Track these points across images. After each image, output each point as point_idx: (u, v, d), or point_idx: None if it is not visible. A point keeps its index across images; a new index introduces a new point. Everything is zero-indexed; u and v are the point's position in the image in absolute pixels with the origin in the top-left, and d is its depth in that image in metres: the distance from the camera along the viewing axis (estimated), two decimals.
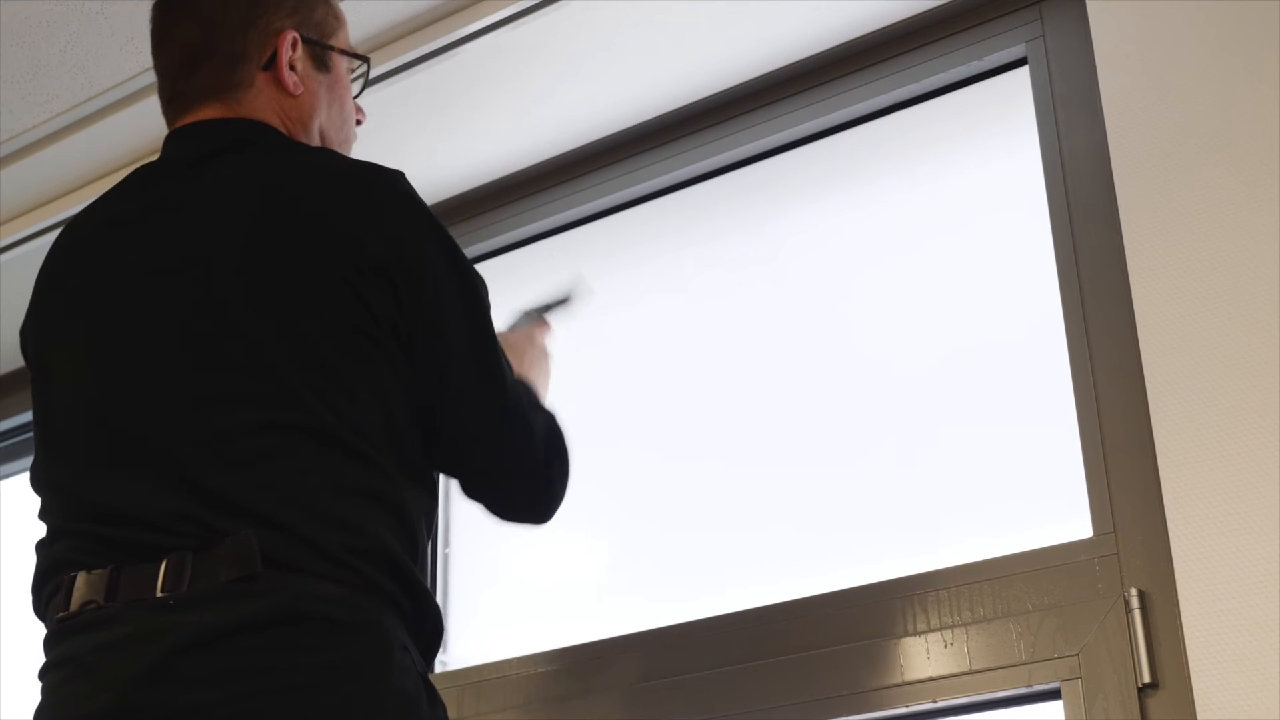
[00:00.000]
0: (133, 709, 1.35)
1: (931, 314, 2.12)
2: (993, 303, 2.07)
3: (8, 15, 2.20)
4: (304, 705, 1.36)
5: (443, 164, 2.50)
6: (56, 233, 2.61)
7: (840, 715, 1.92)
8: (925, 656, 1.89)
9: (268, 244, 1.50)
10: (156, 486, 1.44)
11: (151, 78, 2.30)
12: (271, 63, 1.65)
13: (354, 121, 1.78)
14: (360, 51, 1.80)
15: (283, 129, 1.66)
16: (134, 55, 2.28)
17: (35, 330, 1.66)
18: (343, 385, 1.47)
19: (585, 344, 2.45)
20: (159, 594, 1.38)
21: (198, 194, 1.57)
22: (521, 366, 1.84)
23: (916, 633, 1.91)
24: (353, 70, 1.77)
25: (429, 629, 1.52)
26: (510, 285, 2.57)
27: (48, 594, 1.50)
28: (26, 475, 3.16)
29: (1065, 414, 1.91)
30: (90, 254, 1.63)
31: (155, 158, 2.40)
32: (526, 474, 1.65)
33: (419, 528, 1.52)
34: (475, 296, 1.60)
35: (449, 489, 2.38)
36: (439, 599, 2.32)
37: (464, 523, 2.47)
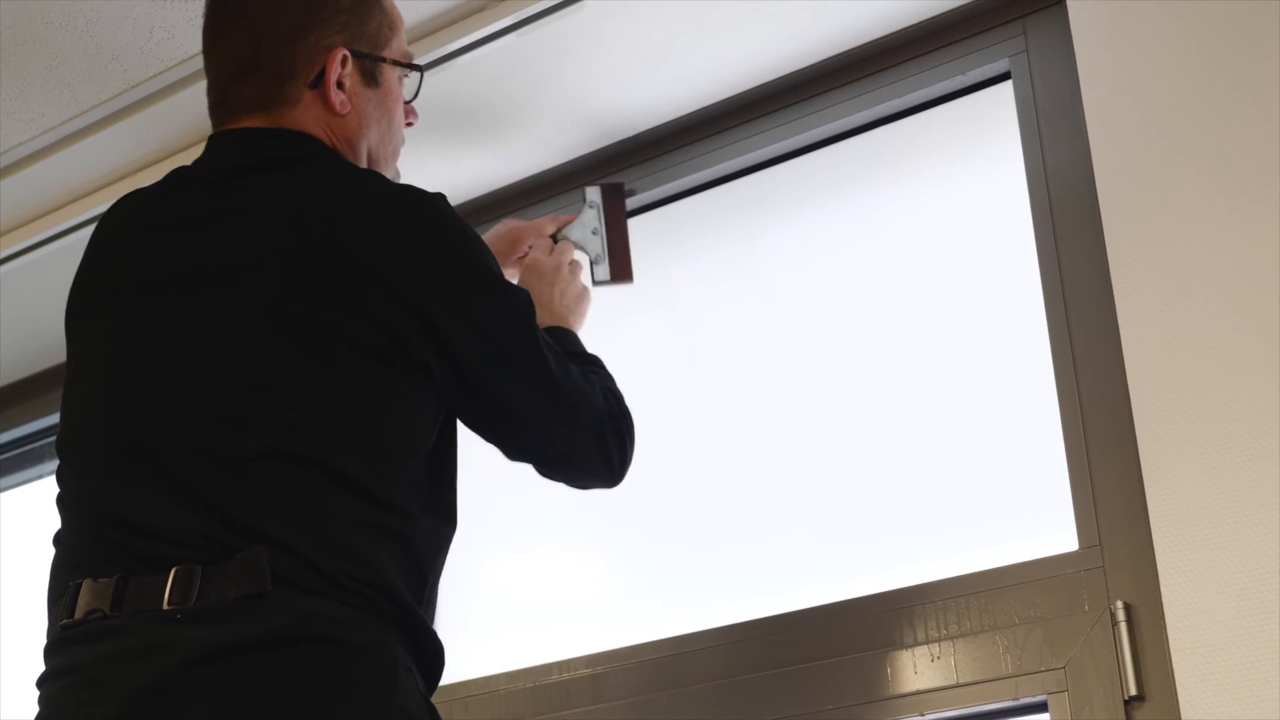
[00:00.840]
0: None
1: (916, 328, 2.13)
2: (977, 316, 2.08)
3: None
4: None
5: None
6: (43, 250, 2.65)
7: None
8: (912, 670, 1.89)
9: (298, 274, 1.50)
10: (169, 499, 1.44)
11: (136, 95, 2.33)
12: (319, 80, 1.64)
13: (402, 132, 1.78)
14: (412, 55, 1.79)
15: (328, 144, 1.66)
16: (119, 73, 2.29)
17: (70, 315, 1.69)
18: (360, 418, 1.48)
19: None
20: (165, 606, 1.38)
21: (235, 210, 1.57)
22: (554, 296, 1.94)
23: (904, 646, 1.91)
24: (405, 77, 1.76)
25: (429, 656, 1.52)
26: None
27: (53, 599, 1.50)
28: (28, 487, 3.21)
29: (1050, 427, 1.92)
30: (126, 253, 1.64)
31: (148, 170, 2.45)
32: (594, 453, 1.69)
33: (428, 560, 1.53)
34: (513, 313, 1.60)
35: None
36: None
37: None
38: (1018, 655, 1.82)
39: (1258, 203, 1.73)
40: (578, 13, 2.13)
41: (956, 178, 2.16)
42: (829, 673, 1.95)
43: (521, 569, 2.41)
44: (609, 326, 2.41)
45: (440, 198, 1.61)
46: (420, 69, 1.78)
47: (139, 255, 1.62)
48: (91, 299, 1.65)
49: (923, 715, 1.86)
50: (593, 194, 2.30)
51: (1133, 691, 1.71)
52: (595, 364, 1.82)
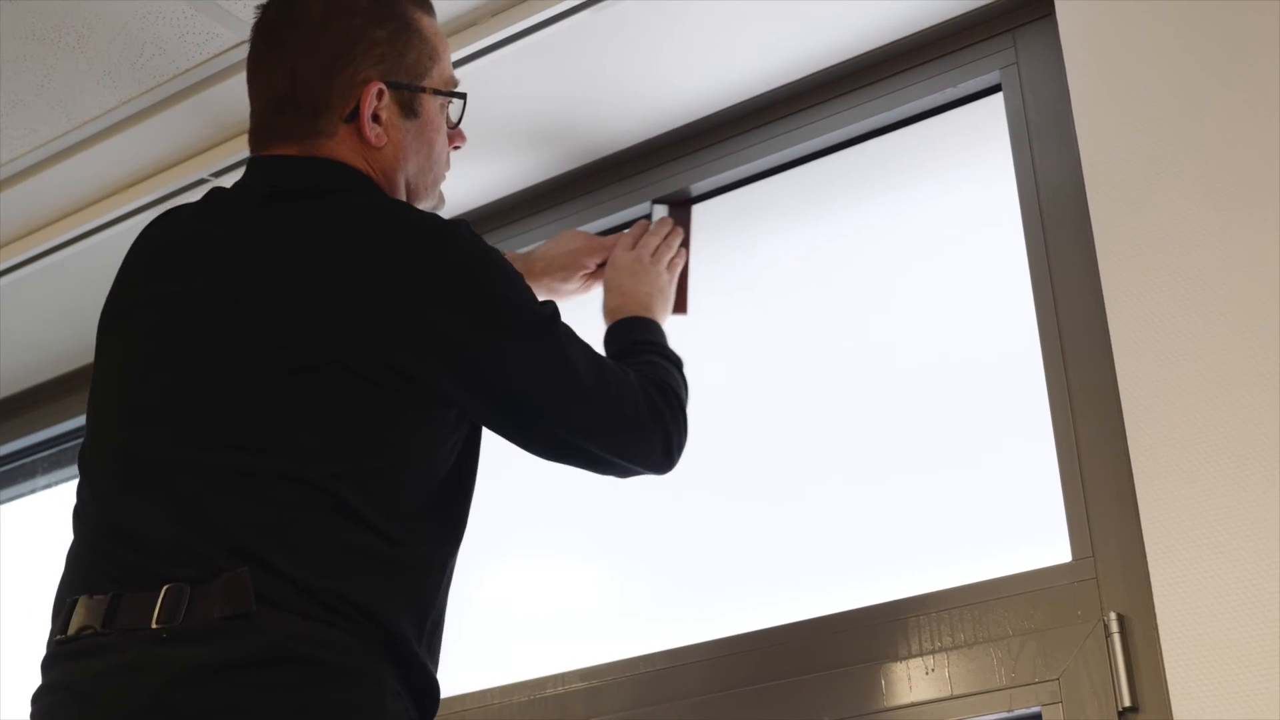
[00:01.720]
0: None
1: (908, 339, 2.13)
2: (969, 327, 2.08)
3: None
4: None
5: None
6: (36, 265, 2.65)
7: None
8: (907, 682, 1.89)
9: (314, 302, 1.51)
10: (164, 517, 1.46)
11: (127, 111, 2.34)
12: (355, 114, 1.65)
13: (445, 160, 1.77)
14: (457, 80, 1.78)
15: (365, 173, 1.66)
16: (111, 89, 2.29)
17: (101, 325, 1.70)
18: (364, 445, 1.49)
19: None
20: (154, 625, 1.39)
21: (263, 236, 1.58)
22: (636, 287, 1.99)
23: (898, 658, 1.91)
24: (448, 104, 1.75)
25: (421, 685, 1.51)
26: None
27: (54, 614, 1.52)
28: (28, 499, 3.21)
29: (1043, 438, 1.92)
30: (156, 269, 1.66)
31: (141, 184, 2.44)
32: (638, 449, 1.70)
33: (430, 587, 1.53)
34: (532, 335, 1.59)
35: None
36: None
37: None
38: (1012, 667, 1.82)
39: (1248, 213, 1.74)
40: (565, 25, 2.14)
41: (948, 190, 2.17)
42: (824, 685, 1.95)
43: (516, 582, 2.41)
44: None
45: (461, 225, 1.61)
46: (463, 96, 1.77)
47: (167, 272, 1.64)
48: (120, 311, 1.67)
49: None
50: (660, 212, 2.28)
51: (1126, 703, 1.71)
52: (654, 353, 1.84)
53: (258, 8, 1.73)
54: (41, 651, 1.52)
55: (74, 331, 2.96)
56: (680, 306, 2.19)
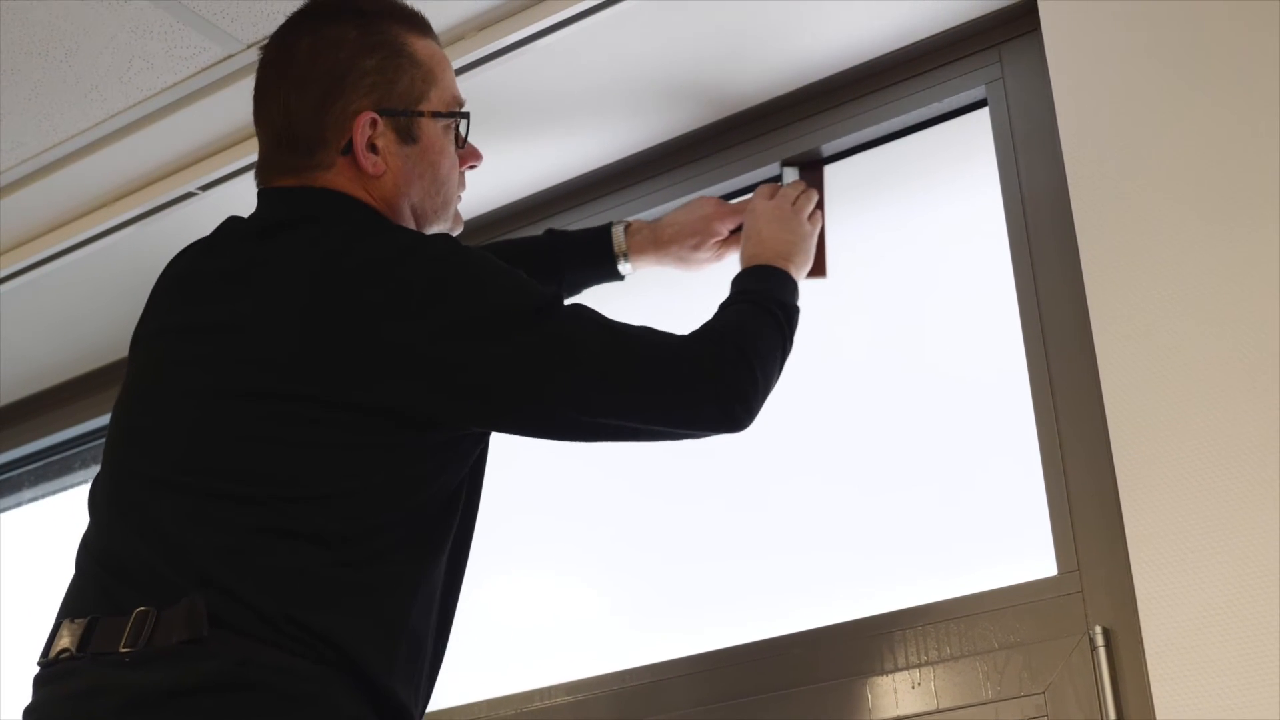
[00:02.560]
0: None
1: (893, 353, 2.13)
2: (955, 342, 2.08)
3: None
4: None
5: None
6: (22, 279, 2.65)
7: None
8: (893, 696, 1.89)
9: (292, 331, 1.51)
10: (141, 542, 1.48)
11: (115, 124, 2.34)
12: (351, 146, 1.65)
13: (455, 180, 1.75)
14: (460, 99, 1.76)
15: (364, 201, 1.66)
16: (98, 103, 2.29)
17: (129, 350, 1.72)
18: (336, 472, 1.48)
19: None
20: (121, 649, 1.40)
21: (248, 271, 1.59)
22: (775, 233, 1.93)
23: (884, 672, 1.91)
24: (453, 124, 1.73)
25: (390, 711, 1.49)
26: None
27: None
28: (26, 508, 3.22)
29: (1028, 452, 1.92)
30: (166, 300, 1.69)
31: (129, 198, 2.45)
32: (680, 416, 1.64)
33: (402, 611, 1.51)
34: (511, 328, 1.55)
35: None
36: None
37: None
38: (998, 681, 1.82)
39: (1233, 227, 1.74)
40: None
41: (934, 204, 2.18)
42: (810, 699, 1.95)
43: (502, 595, 2.41)
44: None
45: (434, 239, 1.61)
46: (463, 115, 1.75)
47: (174, 303, 1.68)
48: (137, 339, 1.70)
49: None
50: (790, 175, 2.21)
51: (1112, 716, 1.71)
52: (749, 301, 1.78)
53: (260, 47, 1.74)
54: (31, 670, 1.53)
55: (61, 345, 2.96)
56: (820, 269, 2.10)
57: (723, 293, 1.85)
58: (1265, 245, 1.71)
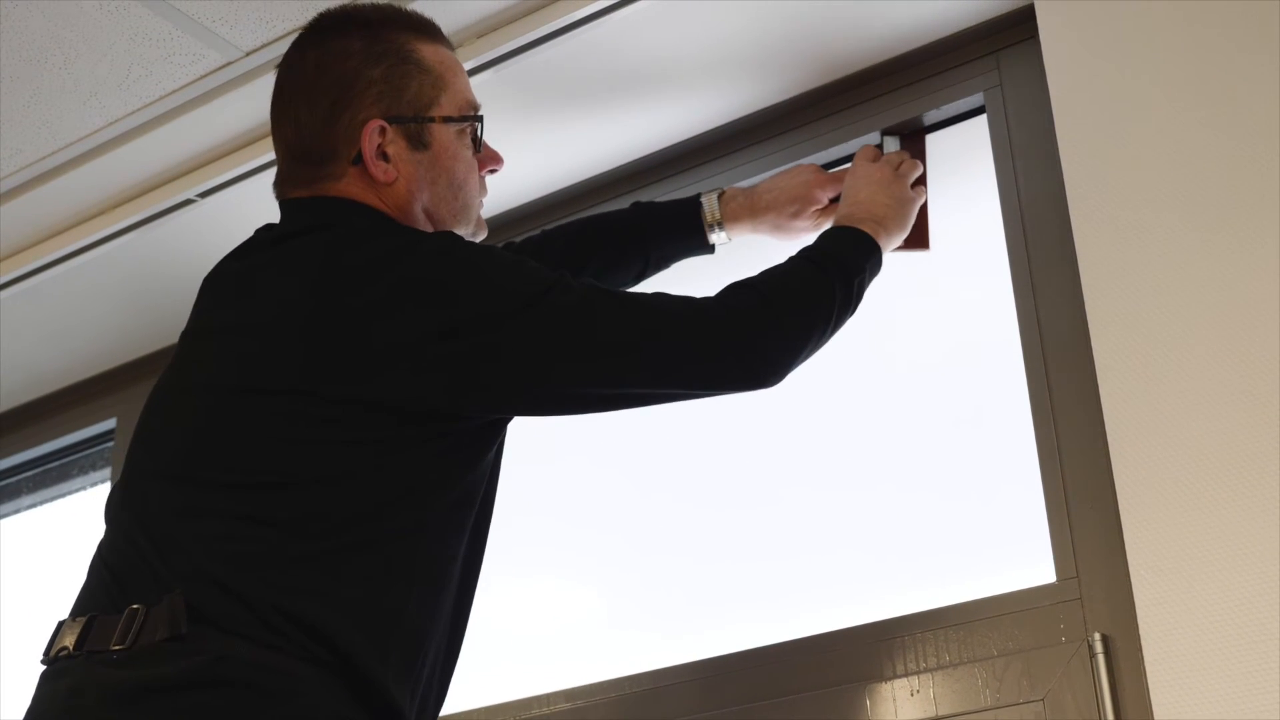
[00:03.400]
0: None
1: (892, 361, 2.13)
2: (953, 348, 2.09)
3: None
4: None
5: None
6: (21, 286, 2.65)
7: None
8: (892, 703, 1.89)
9: (292, 335, 1.53)
10: (139, 540, 1.50)
11: (114, 131, 2.34)
12: (360, 157, 1.66)
13: (474, 182, 1.75)
14: (474, 104, 1.76)
15: (374, 207, 1.67)
16: (97, 110, 2.29)
17: None
18: (311, 464, 1.49)
19: None
20: (112, 647, 1.42)
21: (256, 275, 1.63)
22: (872, 195, 1.91)
23: (883, 679, 1.91)
24: (468, 129, 1.73)
25: (378, 706, 1.48)
26: None
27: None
28: (25, 514, 3.22)
29: (1027, 459, 1.92)
30: (203, 302, 1.72)
31: (127, 205, 2.46)
32: (702, 376, 1.64)
33: (399, 608, 1.50)
34: (512, 310, 1.55)
35: None
36: None
37: None
38: (996, 688, 1.82)
39: (1232, 235, 1.74)
40: None
41: (932, 210, 2.17)
42: (809, 706, 1.95)
43: (501, 601, 2.41)
44: None
45: (442, 235, 1.62)
46: (476, 119, 1.75)
47: (199, 308, 1.71)
48: (180, 339, 1.73)
49: None
50: (891, 144, 2.17)
51: None
52: (806, 258, 1.76)
53: (275, 65, 1.76)
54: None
55: (60, 351, 2.96)
56: (922, 241, 2.05)
57: None
58: (1263, 252, 1.71)
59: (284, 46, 1.97)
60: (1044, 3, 1.99)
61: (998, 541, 1.96)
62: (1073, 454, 1.87)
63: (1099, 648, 1.76)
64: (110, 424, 3.00)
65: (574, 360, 1.56)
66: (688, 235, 2.08)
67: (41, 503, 3.18)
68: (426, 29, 1.74)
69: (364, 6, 1.74)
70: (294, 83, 1.70)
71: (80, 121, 2.33)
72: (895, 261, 2.17)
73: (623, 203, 2.26)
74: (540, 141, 2.36)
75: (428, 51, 1.72)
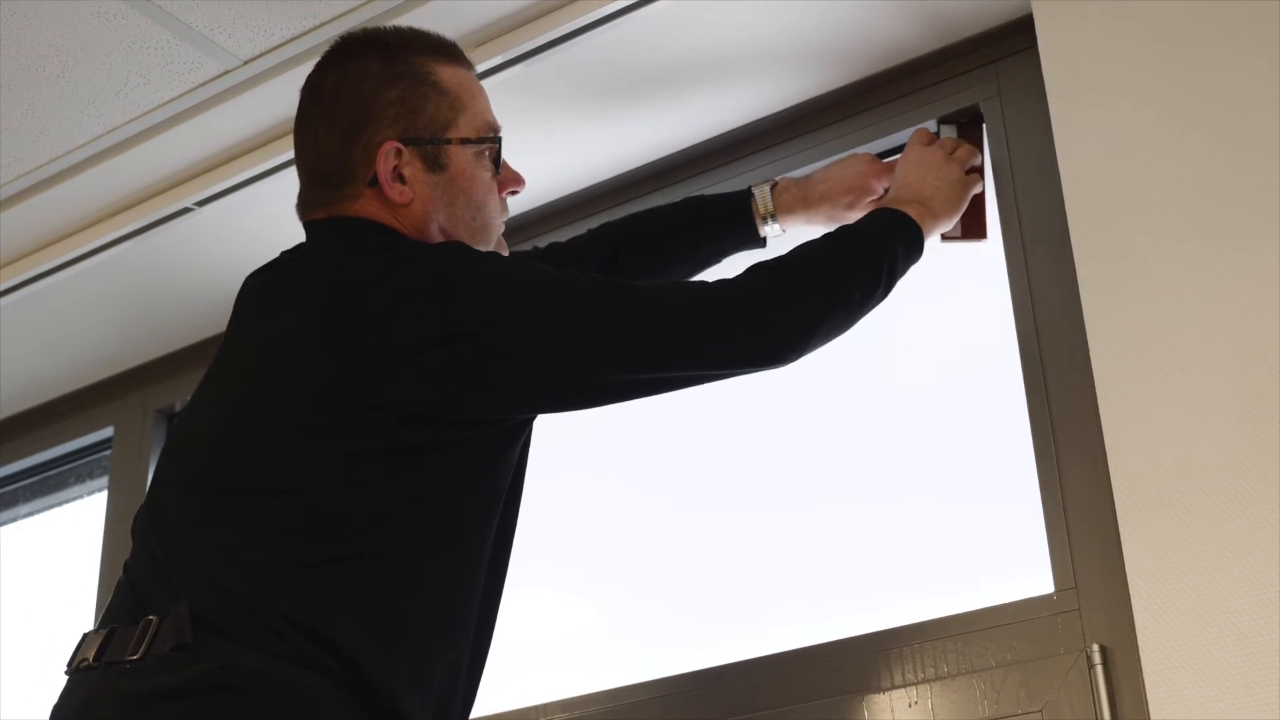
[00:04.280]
0: None
1: (890, 372, 2.13)
2: (952, 360, 2.08)
3: None
4: None
5: None
6: (18, 294, 2.65)
7: None
8: (890, 714, 1.88)
9: (303, 347, 1.56)
10: (159, 547, 1.53)
11: (112, 140, 2.34)
12: (377, 179, 1.67)
13: (494, 202, 1.74)
14: (493, 125, 1.75)
15: (390, 227, 1.68)
16: (95, 118, 2.29)
17: None
18: (321, 469, 1.50)
19: None
20: (127, 658, 1.43)
21: (277, 289, 1.68)
22: (922, 176, 1.87)
23: (881, 690, 1.90)
24: (486, 151, 1.73)
25: (385, 711, 1.47)
26: None
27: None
28: (21, 523, 3.21)
29: (1025, 470, 1.92)
30: (236, 317, 1.76)
31: (125, 213, 2.46)
32: (719, 357, 1.63)
33: (399, 601, 1.49)
34: (512, 305, 1.55)
35: None
36: None
37: None
38: (994, 699, 1.82)
39: (1231, 246, 1.74)
40: None
41: None
42: (806, 717, 1.94)
43: (500, 612, 2.40)
44: None
45: (450, 244, 1.64)
46: (495, 140, 1.74)
47: (234, 324, 1.74)
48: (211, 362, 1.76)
49: None
50: (947, 132, 2.12)
51: None
52: (835, 238, 1.74)
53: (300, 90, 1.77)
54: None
55: (58, 359, 2.95)
56: (980, 231, 2.00)
57: None
58: (1263, 264, 1.71)
59: (282, 55, 1.98)
60: (1043, 12, 1.99)
61: (996, 552, 1.95)
62: (1071, 464, 1.87)
63: (1097, 659, 1.75)
64: (108, 432, 3.00)
65: (580, 353, 1.56)
66: (739, 228, 2.05)
67: (39, 511, 3.17)
68: (446, 51, 1.74)
69: (385, 29, 1.76)
70: (313, 105, 1.72)
71: (78, 129, 2.33)
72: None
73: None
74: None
75: (446, 74, 1.72)
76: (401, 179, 1.67)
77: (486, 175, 1.73)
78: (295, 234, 1.76)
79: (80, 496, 3.12)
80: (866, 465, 2.11)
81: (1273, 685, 1.57)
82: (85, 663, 1.48)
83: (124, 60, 2.17)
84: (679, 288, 1.66)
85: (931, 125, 2.17)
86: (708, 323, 1.61)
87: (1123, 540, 1.72)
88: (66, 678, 1.52)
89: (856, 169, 2.04)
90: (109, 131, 2.33)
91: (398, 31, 1.75)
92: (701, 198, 2.12)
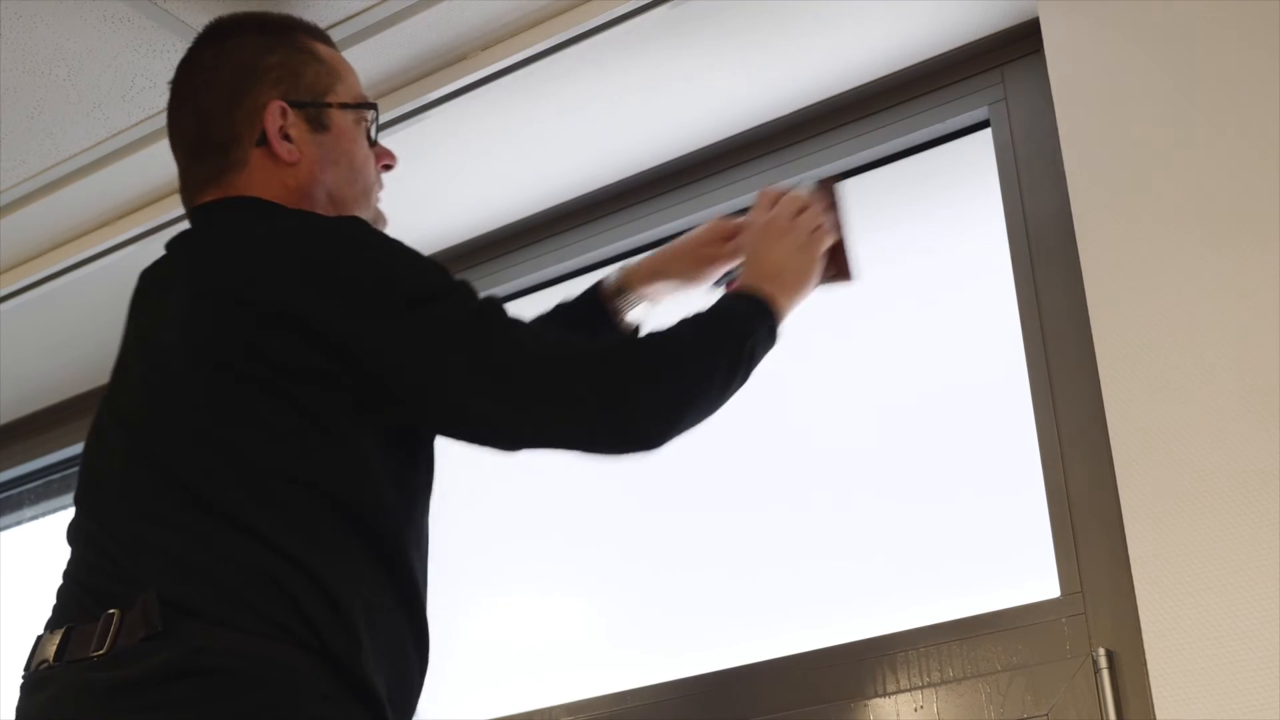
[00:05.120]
0: None
1: (896, 375, 2.13)
2: (958, 362, 2.08)
3: None
4: None
5: (418, 223, 2.51)
6: (26, 296, 2.65)
7: None
8: (895, 718, 1.88)
9: (194, 325, 1.54)
10: (109, 541, 1.51)
11: (118, 143, 2.34)
12: (264, 138, 1.67)
13: (371, 170, 1.76)
14: (368, 99, 1.78)
15: (285, 199, 1.67)
16: (101, 121, 2.29)
17: None
18: (265, 452, 1.48)
19: None
20: (91, 653, 1.42)
21: (168, 280, 1.65)
22: (767, 254, 1.74)
23: (886, 694, 1.90)
24: (362, 120, 1.75)
25: (354, 684, 1.45)
26: None
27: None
28: (27, 526, 3.21)
29: (1031, 474, 1.92)
30: (131, 315, 1.73)
31: (131, 216, 2.46)
32: (561, 431, 1.53)
33: (348, 588, 1.47)
34: (400, 306, 1.51)
35: None
36: None
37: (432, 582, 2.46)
38: (1000, 703, 1.81)
39: (1237, 249, 1.74)
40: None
41: (936, 226, 2.17)
42: None
43: (502, 616, 2.41)
44: None
45: (345, 219, 1.61)
46: (373, 106, 1.78)
47: (128, 320, 1.72)
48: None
49: None
50: (804, 187, 2.02)
51: None
52: (692, 321, 1.63)
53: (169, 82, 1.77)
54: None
55: (62, 363, 2.96)
56: (844, 273, 1.86)
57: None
58: (1267, 267, 1.71)
59: None
60: (1049, 16, 1.99)
61: (1002, 556, 1.95)
62: (1077, 468, 1.87)
63: (1103, 663, 1.75)
64: None
65: (434, 378, 1.51)
66: (594, 322, 1.94)
67: (43, 514, 3.17)
68: (317, 32, 1.78)
69: (255, 13, 1.78)
70: (192, 76, 1.72)
71: (84, 133, 2.33)
72: (896, 276, 2.17)
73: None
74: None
75: (320, 48, 1.76)
76: (288, 139, 1.68)
77: (364, 143, 1.76)
78: None
79: None
80: (871, 469, 2.11)
81: (1278, 690, 1.56)
82: (45, 664, 1.46)
83: (130, 64, 2.17)
84: (555, 346, 1.56)
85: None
86: (567, 387, 1.51)
87: (1129, 544, 1.71)
88: (23, 680, 1.50)
89: (702, 230, 1.96)
90: (115, 135, 2.33)
91: (267, 14, 1.78)
92: (570, 297, 2.01)
